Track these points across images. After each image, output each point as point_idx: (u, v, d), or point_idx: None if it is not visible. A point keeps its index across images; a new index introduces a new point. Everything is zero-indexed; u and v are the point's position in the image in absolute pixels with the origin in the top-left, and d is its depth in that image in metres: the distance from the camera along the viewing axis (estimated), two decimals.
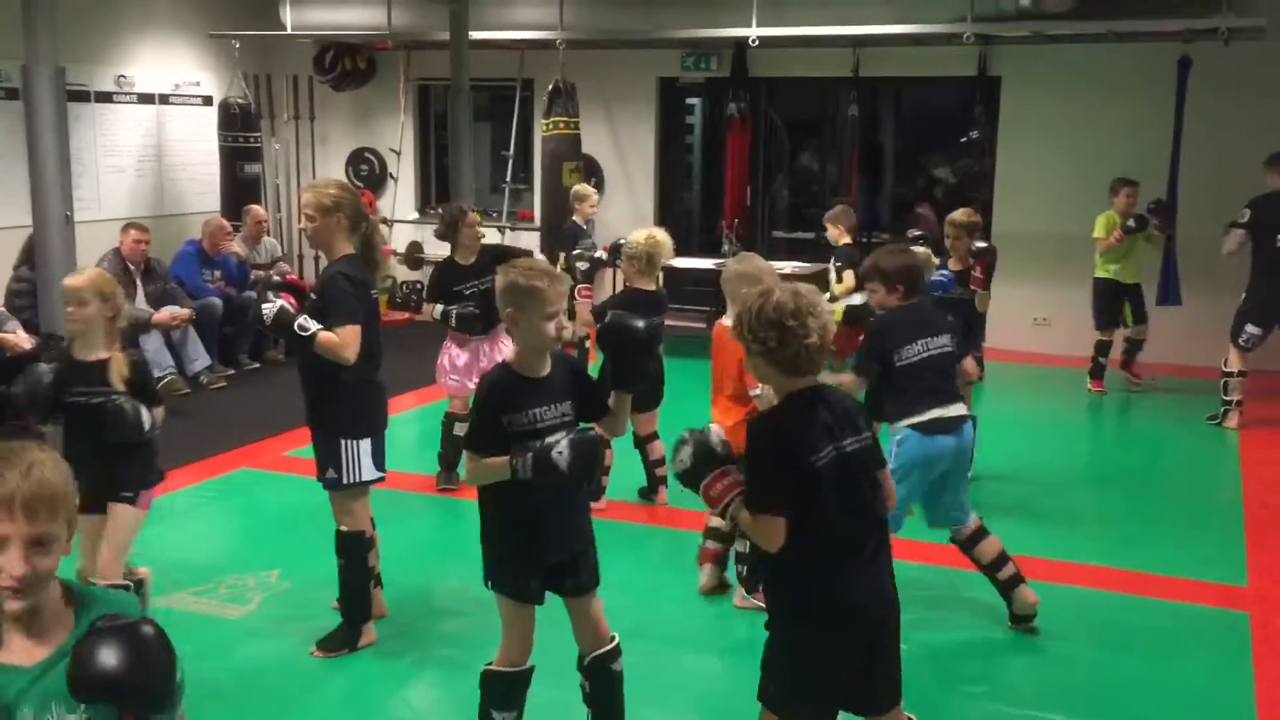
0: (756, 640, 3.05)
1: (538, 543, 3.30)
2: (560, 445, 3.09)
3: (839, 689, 2.93)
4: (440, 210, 6.72)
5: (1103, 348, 8.66)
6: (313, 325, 4.18)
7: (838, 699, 2.97)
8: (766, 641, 2.98)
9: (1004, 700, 4.19)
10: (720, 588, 4.97)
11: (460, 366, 6.32)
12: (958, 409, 4.61)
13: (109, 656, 1.73)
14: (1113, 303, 8.52)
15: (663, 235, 5.69)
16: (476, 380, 6.03)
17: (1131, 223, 8.10)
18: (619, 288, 7.08)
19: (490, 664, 3.46)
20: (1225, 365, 7.77)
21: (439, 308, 6.21)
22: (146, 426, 4.07)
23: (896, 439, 4.53)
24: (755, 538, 2.86)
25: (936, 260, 6.35)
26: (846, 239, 7.89)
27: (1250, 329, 7.68)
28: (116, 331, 4.24)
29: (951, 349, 4.66)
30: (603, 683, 3.49)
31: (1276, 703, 4.19)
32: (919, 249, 6.07)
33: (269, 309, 4.22)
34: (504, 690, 3.44)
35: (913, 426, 4.50)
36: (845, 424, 2.84)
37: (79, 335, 4.20)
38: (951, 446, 4.55)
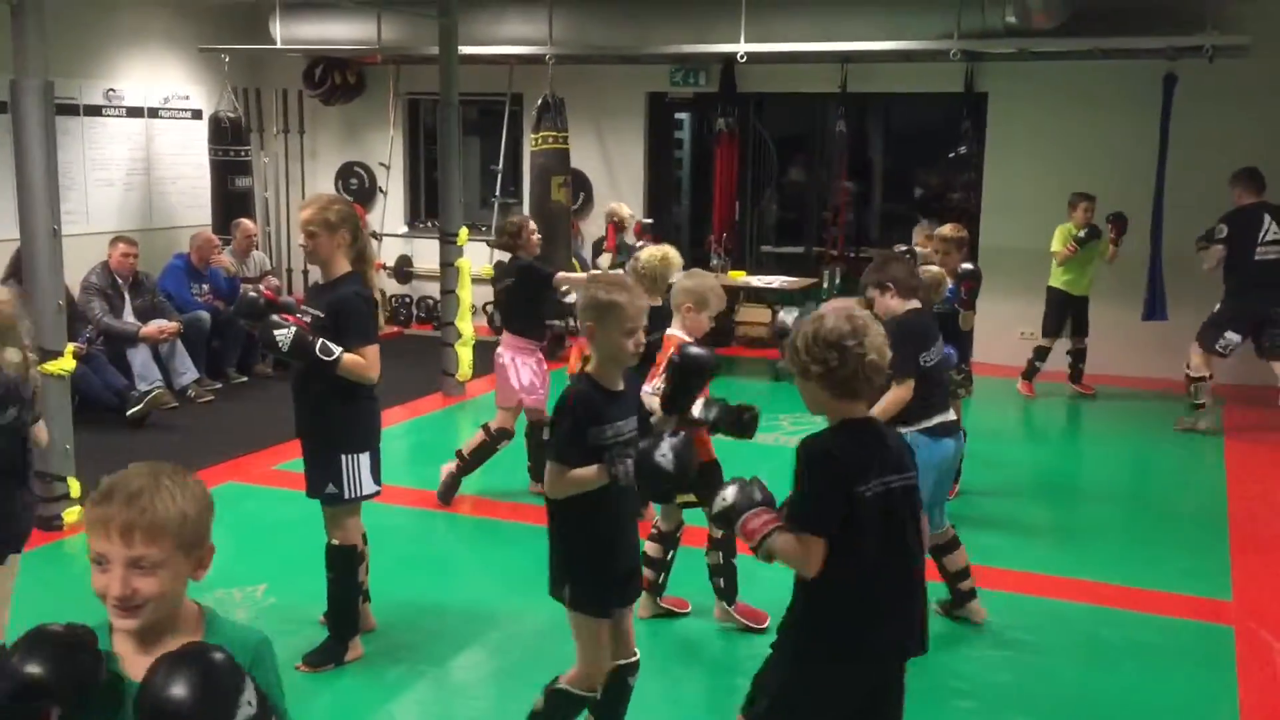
0: (733, 656, 3.06)
1: (615, 556, 3.37)
2: (662, 448, 3.12)
3: None
4: (502, 223, 6.88)
5: (1041, 353, 9.03)
6: (336, 349, 4.18)
7: None
8: (769, 659, 2.92)
9: (990, 715, 4.20)
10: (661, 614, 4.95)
11: (541, 379, 6.36)
12: (952, 414, 4.75)
13: (172, 683, 1.74)
14: (1059, 312, 8.87)
15: (674, 254, 5.75)
16: (545, 391, 6.28)
17: (1083, 233, 8.27)
18: None
19: (558, 682, 3.46)
20: (1192, 370, 7.99)
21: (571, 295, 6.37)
22: None
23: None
24: (794, 561, 2.75)
25: (950, 281, 6.31)
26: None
27: (1230, 335, 7.90)
28: None
29: (945, 352, 4.83)
30: (618, 694, 3.49)
31: (1261, 716, 4.21)
32: (932, 268, 6.08)
33: (284, 336, 4.17)
34: (570, 712, 3.45)
35: (922, 431, 4.54)
36: (895, 460, 2.79)
37: None
38: (952, 450, 4.68)
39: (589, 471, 3.20)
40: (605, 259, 8.33)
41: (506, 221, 6.74)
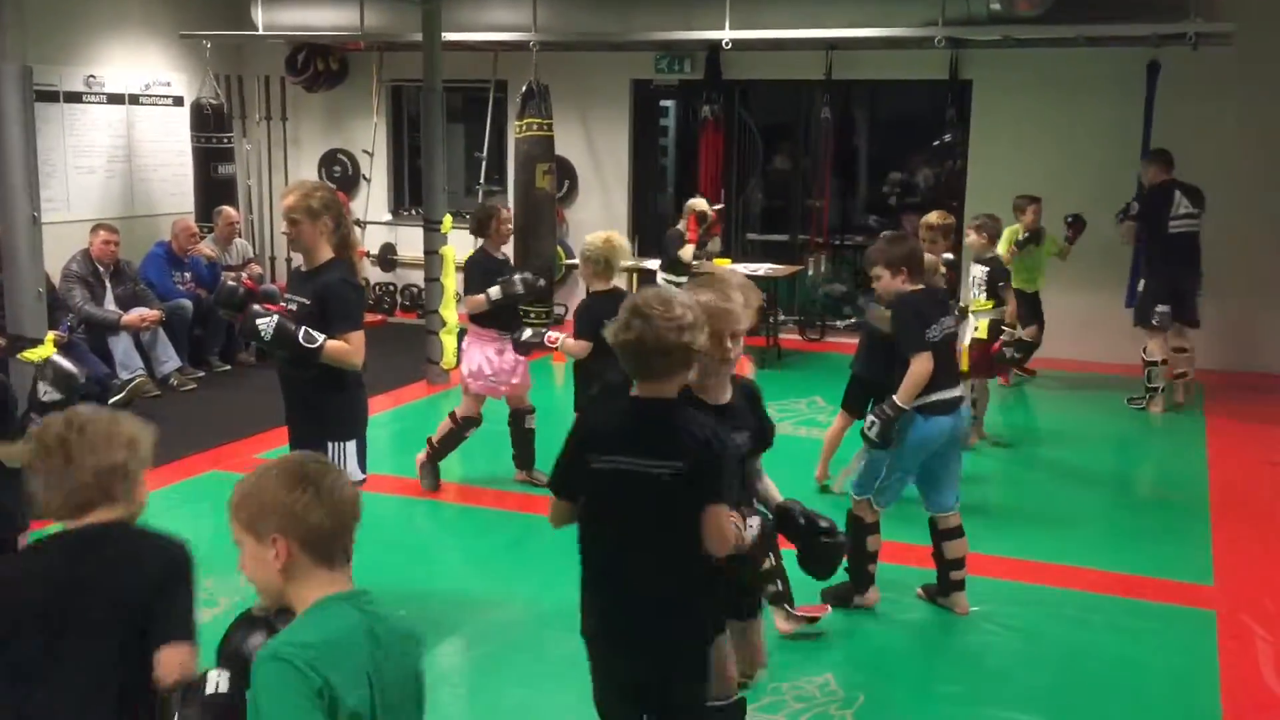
0: None
1: None
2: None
3: None
4: (477, 207, 6.80)
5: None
6: (319, 336, 4.17)
7: None
8: None
9: (979, 700, 4.21)
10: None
11: (504, 367, 6.29)
12: (956, 391, 4.74)
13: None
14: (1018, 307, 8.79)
15: (620, 239, 5.80)
16: (517, 379, 6.22)
17: (1023, 238, 8.31)
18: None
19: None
20: (1146, 354, 8.17)
21: (494, 290, 6.17)
22: None
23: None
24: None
25: (943, 268, 6.32)
26: (994, 249, 7.24)
27: (1160, 308, 8.07)
28: None
29: (954, 330, 4.83)
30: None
31: (1242, 700, 4.25)
32: (929, 257, 6.10)
33: (265, 325, 4.16)
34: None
35: (917, 408, 4.57)
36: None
37: None
38: (948, 427, 4.67)
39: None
40: (687, 251, 8.37)
41: (480, 205, 6.73)
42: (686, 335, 2.69)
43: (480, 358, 6.27)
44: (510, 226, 6.55)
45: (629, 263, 5.82)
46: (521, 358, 6.31)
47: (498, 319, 6.27)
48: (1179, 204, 8.14)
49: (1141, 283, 8.40)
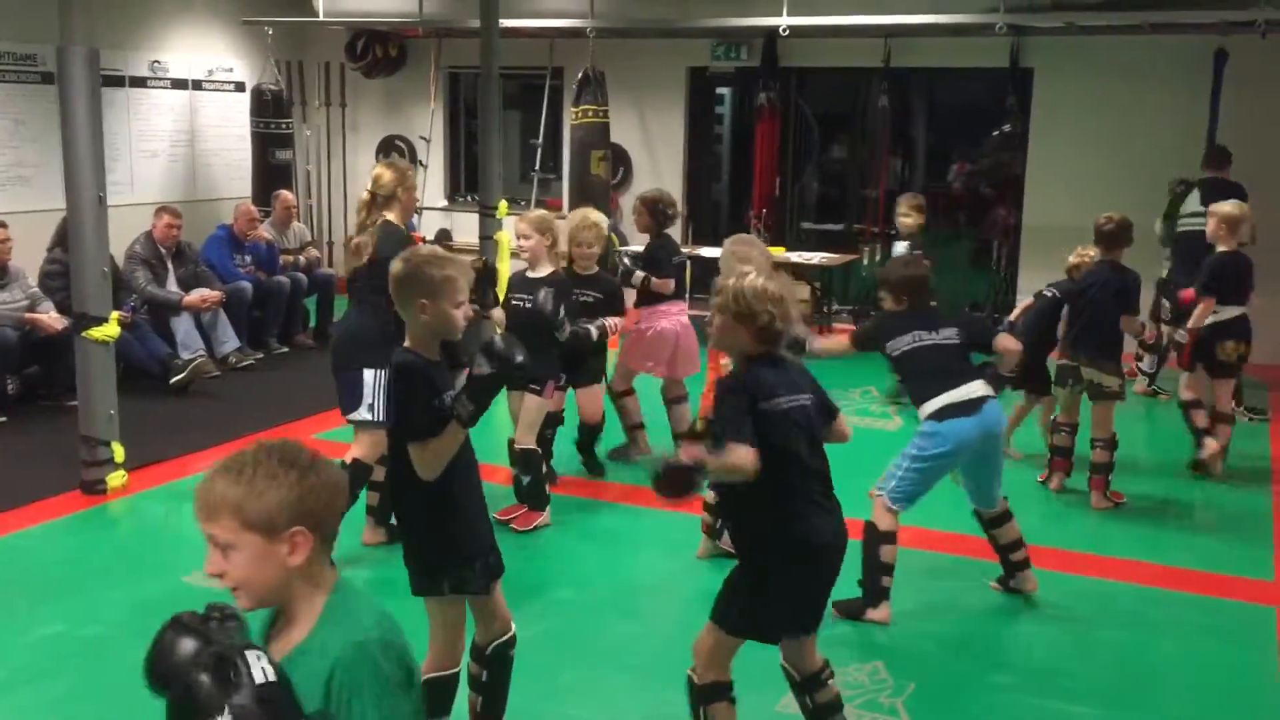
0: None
1: (475, 535, 3.29)
2: (479, 360, 3.12)
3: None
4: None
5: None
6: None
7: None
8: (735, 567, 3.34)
9: (1030, 691, 4.17)
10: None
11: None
12: (977, 391, 4.57)
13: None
14: None
15: (595, 213, 6.03)
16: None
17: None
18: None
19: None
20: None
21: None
22: None
23: (922, 428, 4.63)
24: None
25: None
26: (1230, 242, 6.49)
27: (1165, 303, 7.77)
28: None
29: (957, 341, 4.67)
30: (502, 668, 3.46)
31: None
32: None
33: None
34: (447, 698, 3.36)
35: (931, 415, 4.58)
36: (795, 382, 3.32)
37: None
38: (973, 427, 4.53)
39: (447, 432, 3.10)
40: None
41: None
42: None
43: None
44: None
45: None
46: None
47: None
48: (1191, 202, 7.80)
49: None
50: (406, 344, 3.26)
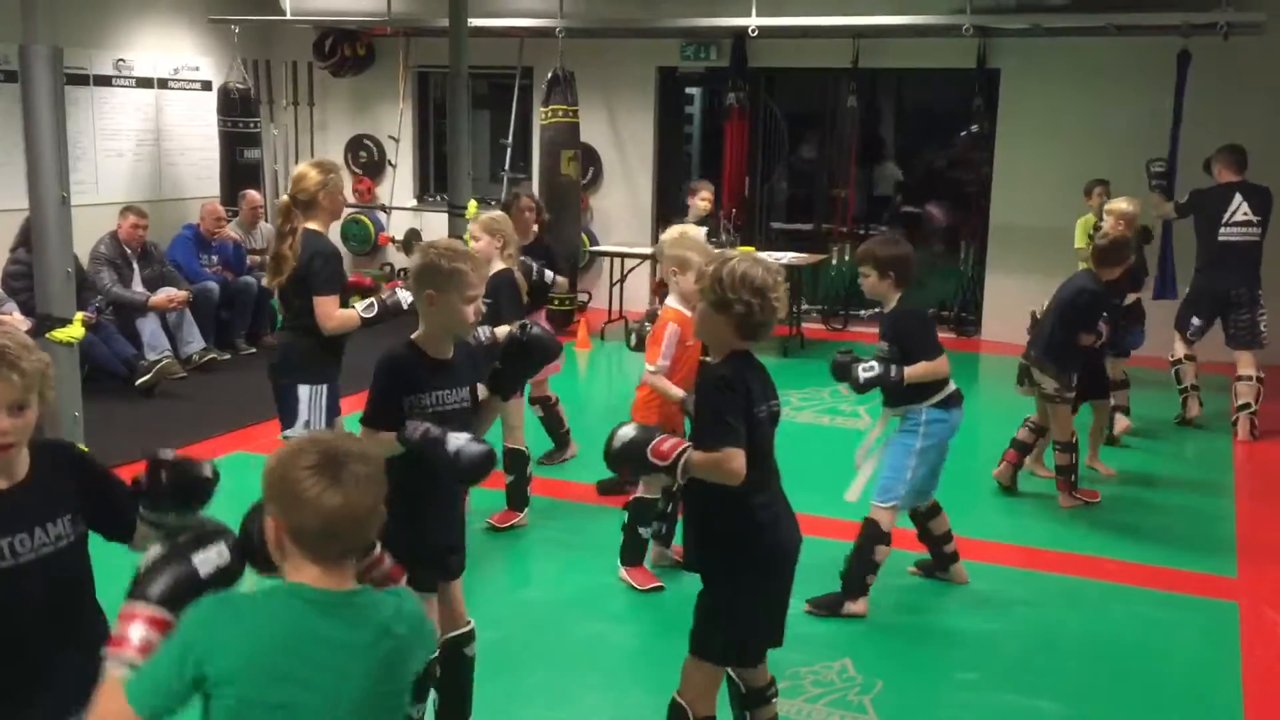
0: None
1: (429, 531, 3.25)
2: (450, 444, 3.03)
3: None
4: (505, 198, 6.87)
5: None
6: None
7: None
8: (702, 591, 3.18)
9: (997, 688, 4.20)
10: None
11: None
12: (954, 385, 4.74)
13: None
14: None
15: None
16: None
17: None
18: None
19: None
20: (1173, 356, 7.71)
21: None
22: None
23: (923, 419, 4.63)
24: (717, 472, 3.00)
25: None
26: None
27: (1196, 321, 7.60)
28: None
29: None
30: (458, 665, 3.44)
31: (1263, 692, 4.22)
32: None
33: None
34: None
35: (937, 404, 4.62)
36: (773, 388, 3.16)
37: None
38: (960, 420, 4.73)
39: (383, 437, 3.06)
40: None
41: (506, 197, 6.74)
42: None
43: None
44: (531, 215, 6.50)
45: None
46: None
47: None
48: (1237, 209, 7.55)
49: (1188, 290, 7.83)
50: (413, 336, 3.24)
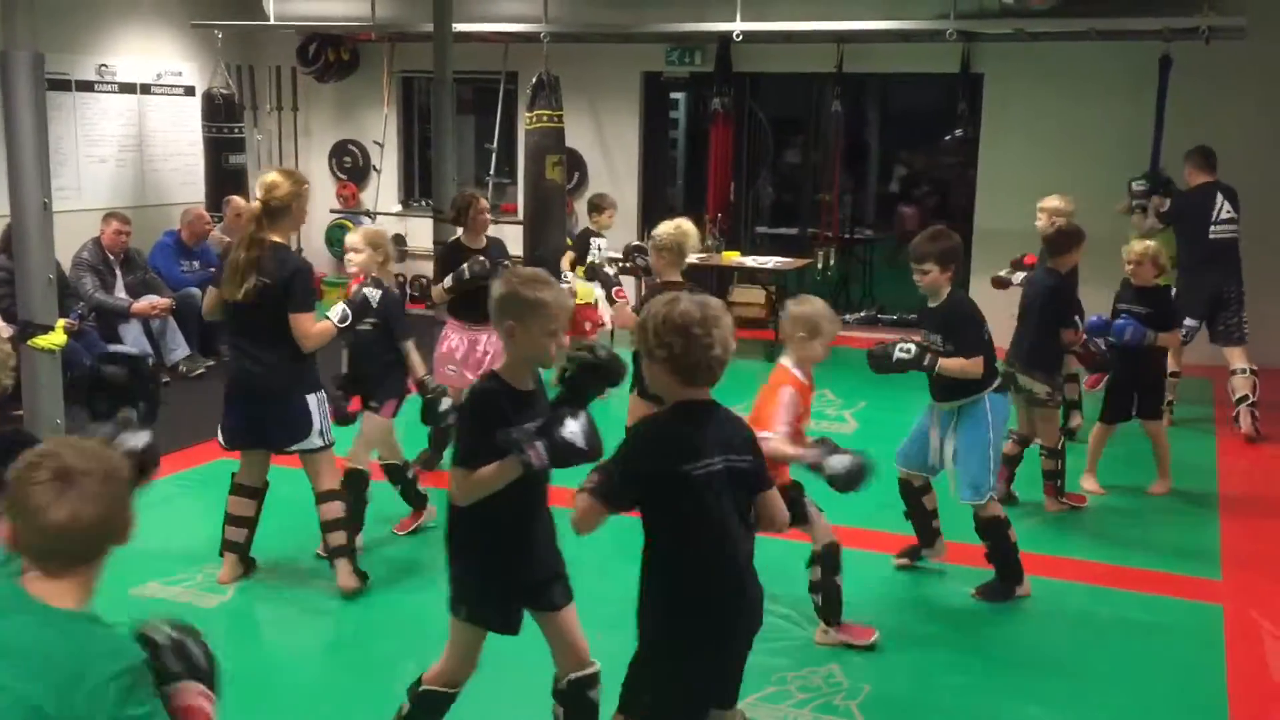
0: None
1: (522, 563, 3.15)
2: (569, 425, 2.89)
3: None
4: (454, 197, 6.79)
5: None
6: None
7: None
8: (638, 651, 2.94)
9: (984, 692, 4.21)
10: None
11: (458, 358, 6.28)
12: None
13: None
14: None
15: (689, 225, 5.70)
16: (473, 374, 6.04)
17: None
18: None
19: (422, 683, 3.30)
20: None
21: (447, 279, 6.20)
22: None
23: (988, 407, 4.80)
24: None
25: None
26: None
27: (1189, 322, 7.55)
28: None
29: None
30: (580, 709, 3.26)
31: (1248, 694, 4.24)
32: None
33: None
34: (439, 710, 3.30)
35: (996, 390, 4.86)
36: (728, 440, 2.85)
37: None
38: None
39: (493, 467, 2.94)
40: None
41: (457, 194, 6.70)
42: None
43: (446, 345, 6.33)
44: (488, 216, 6.49)
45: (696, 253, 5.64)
46: (489, 353, 6.17)
47: (469, 309, 6.15)
48: (1221, 208, 7.68)
49: (1175, 293, 7.58)
50: (496, 368, 3.17)
